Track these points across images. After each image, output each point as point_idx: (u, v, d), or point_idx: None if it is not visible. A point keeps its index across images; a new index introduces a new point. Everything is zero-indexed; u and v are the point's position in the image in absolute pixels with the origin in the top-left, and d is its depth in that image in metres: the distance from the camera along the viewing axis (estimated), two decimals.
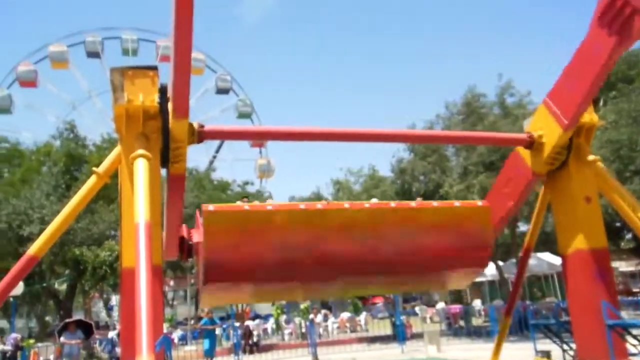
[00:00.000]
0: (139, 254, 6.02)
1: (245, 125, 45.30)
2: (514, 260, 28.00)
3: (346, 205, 9.24)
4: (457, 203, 10.09)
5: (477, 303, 30.76)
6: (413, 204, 9.67)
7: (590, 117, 10.22)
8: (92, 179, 8.42)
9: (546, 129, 9.57)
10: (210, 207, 8.07)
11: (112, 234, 29.94)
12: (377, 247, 9.00)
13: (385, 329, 23.66)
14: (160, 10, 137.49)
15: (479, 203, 10.34)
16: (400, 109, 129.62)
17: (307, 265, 8.60)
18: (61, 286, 35.15)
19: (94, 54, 46.51)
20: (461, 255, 9.65)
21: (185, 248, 9.29)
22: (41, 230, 9.51)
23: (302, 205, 9.14)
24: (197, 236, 8.98)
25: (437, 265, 9.73)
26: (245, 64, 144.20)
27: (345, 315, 29.98)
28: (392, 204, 9.87)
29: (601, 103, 11.38)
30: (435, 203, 10.17)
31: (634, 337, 9.56)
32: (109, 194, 27.48)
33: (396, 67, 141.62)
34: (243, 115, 49.67)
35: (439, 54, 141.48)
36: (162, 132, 8.09)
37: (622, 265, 42.27)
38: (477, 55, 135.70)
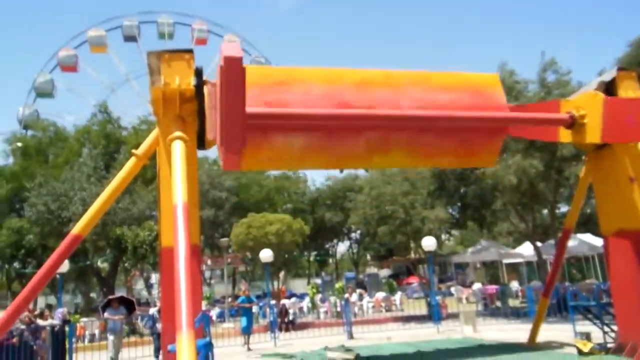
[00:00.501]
0: (177, 234, 6.17)
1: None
2: (552, 241, 27.42)
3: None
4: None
5: (514, 284, 30.32)
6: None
7: (635, 94, 9.87)
8: (132, 161, 8.64)
9: (589, 108, 9.28)
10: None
11: (151, 214, 30.73)
12: (396, 100, 9.33)
13: (421, 308, 23.62)
14: None
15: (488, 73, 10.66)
16: None
17: (330, 114, 8.88)
18: (103, 264, 36.38)
19: (131, 38, 47.39)
20: (479, 117, 9.72)
21: None
22: (83, 211, 9.79)
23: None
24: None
25: (457, 124, 9.74)
26: (279, 47, 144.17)
27: (381, 294, 30.05)
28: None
29: None
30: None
31: None
32: (146, 174, 28.13)
33: (431, 50, 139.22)
34: None
35: (477, 36, 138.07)
36: (199, 114, 8.21)
37: None
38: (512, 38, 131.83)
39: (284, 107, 8.68)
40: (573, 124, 9.53)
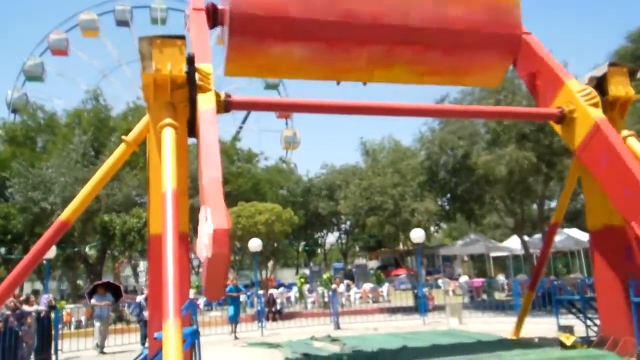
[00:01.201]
0: (166, 221, 6.15)
1: (272, 96, 45.31)
2: (539, 235, 27.70)
3: None
4: None
5: (500, 277, 30.63)
6: None
7: (625, 90, 9.92)
8: (121, 147, 8.57)
9: (577, 103, 9.31)
10: None
11: (140, 201, 30.56)
12: (404, 12, 9.00)
13: (408, 300, 23.81)
14: None
15: None
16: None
17: (332, 23, 8.72)
18: (91, 251, 36.19)
19: (123, 23, 46.84)
20: (491, 32, 9.52)
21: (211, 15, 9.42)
22: (66, 197, 9.70)
23: None
24: None
25: (467, 41, 9.51)
26: None
27: (368, 285, 30.23)
28: None
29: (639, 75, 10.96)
30: None
31: None
32: (131, 160, 27.94)
33: None
34: (270, 86, 49.64)
35: None
36: (190, 101, 8.14)
37: None
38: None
39: (283, 12, 8.60)
40: (563, 118, 9.57)
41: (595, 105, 9.15)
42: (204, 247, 5.47)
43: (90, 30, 44.98)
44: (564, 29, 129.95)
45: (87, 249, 34.43)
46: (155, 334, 5.63)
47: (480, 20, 9.41)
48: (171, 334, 4.92)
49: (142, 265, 47.42)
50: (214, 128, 6.98)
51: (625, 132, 9.56)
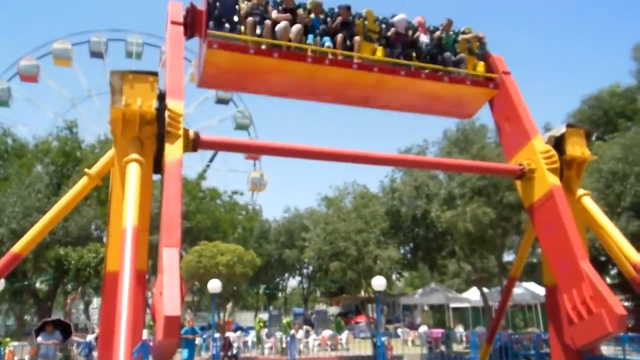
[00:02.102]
0: (123, 258, 6.01)
1: (241, 137, 45.44)
2: (498, 288, 28.03)
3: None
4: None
5: (459, 329, 30.65)
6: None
7: (582, 150, 10.33)
8: (84, 180, 8.39)
9: (537, 163, 9.63)
10: (215, 45, 8.56)
11: (94, 234, 29.74)
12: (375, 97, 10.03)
13: (366, 349, 23.53)
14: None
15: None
16: (404, 127, 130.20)
17: (304, 94, 10.02)
18: (42, 285, 34.77)
19: (97, 54, 46.71)
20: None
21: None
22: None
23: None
24: None
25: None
26: None
27: (327, 332, 29.80)
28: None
29: (593, 138, 11.49)
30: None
31: None
32: (91, 193, 27.34)
33: None
34: (241, 127, 49.81)
35: None
36: (157, 138, 8.09)
37: None
38: None
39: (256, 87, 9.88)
40: (522, 175, 9.86)
41: (554, 170, 9.48)
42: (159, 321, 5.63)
43: (63, 60, 44.68)
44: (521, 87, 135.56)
45: (37, 283, 33.07)
46: None
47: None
48: None
49: (96, 302, 45.73)
50: (177, 183, 7.10)
51: (581, 191, 9.89)
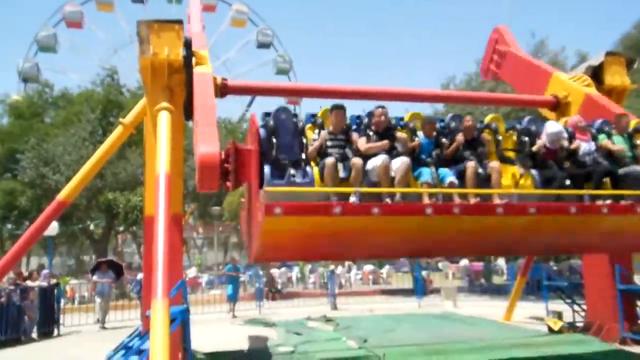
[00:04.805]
0: (158, 203, 6.32)
1: (278, 81, 45.21)
2: None
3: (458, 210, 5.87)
4: None
5: (500, 262, 30.82)
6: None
7: (622, 79, 9.95)
8: (119, 129, 8.75)
9: (570, 89, 9.41)
10: (277, 209, 5.38)
11: (141, 179, 30.83)
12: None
13: (408, 282, 24.07)
14: None
15: None
16: (440, 66, 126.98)
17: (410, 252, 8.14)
18: (96, 228, 36.66)
19: (138, 0, 46.75)
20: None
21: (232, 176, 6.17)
22: (67, 177, 9.91)
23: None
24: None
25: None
26: (288, 18, 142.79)
27: (368, 267, 30.52)
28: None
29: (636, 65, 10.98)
30: None
31: None
32: (138, 139, 28.21)
33: (436, 29, 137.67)
34: (281, 72, 49.34)
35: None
36: (186, 85, 8.27)
37: None
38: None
39: (315, 251, 6.99)
40: (557, 105, 9.65)
41: (588, 86, 9.30)
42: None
43: (105, 5, 44.93)
44: (570, 17, 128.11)
45: (91, 226, 34.87)
46: (147, 312, 5.85)
47: None
48: (159, 313, 5.12)
49: None
50: (210, 90, 7.01)
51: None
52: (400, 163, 5.91)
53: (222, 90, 8.67)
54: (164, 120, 7.43)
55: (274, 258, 7.59)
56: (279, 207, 5.32)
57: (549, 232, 6.58)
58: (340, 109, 6.37)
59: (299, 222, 5.52)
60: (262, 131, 6.22)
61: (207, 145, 5.58)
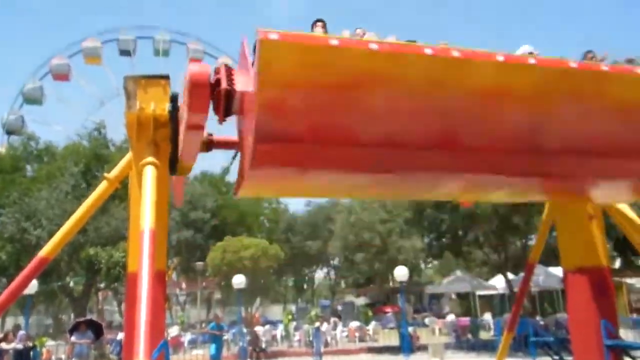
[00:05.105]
0: (142, 259, 6.24)
1: None
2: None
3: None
4: None
5: (487, 317, 30.50)
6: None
7: None
8: (103, 184, 8.69)
9: None
10: (273, 34, 4.71)
11: (124, 233, 30.45)
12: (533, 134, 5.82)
13: (395, 339, 23.63)
14: (195, 12, 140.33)
15: None
16: None
17: (423, 151, 5.58)
18: (76, 285, 35.80)
19: (126, 52, 47.70)
20: None
21: (222, 100, 5.73)
22: (55, 230, 9.77)
23: (428, 50, 5.19)
24: (243, 82, 5.71)
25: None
26: None
27: (354, 324, 29.95)
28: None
29: None
30: None
31: (633, 358, 9.54)
32: (122, 193, 28.04)
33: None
34: None
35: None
36: (172, 139, 8.34)
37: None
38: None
39: (344, 132, 5.34)
40: None
41: None
42: None
43: (93, 57, 45.76)
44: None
45: (71, 283, 34.05)
46: None
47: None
48: None
49: None
50: None
51: None
52: None
53: (208, 144, 8.75)
54: (150, 175, 7.43)
55: (276, 128, 5.12)
56: (275, 34, 4.67)
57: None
58: None
59: (299, 49, 4.77)
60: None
61: (198, 65, 5.40)
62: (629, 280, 27.46)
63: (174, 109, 8.33)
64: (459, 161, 5.95)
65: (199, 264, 33.54)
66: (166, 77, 8.54)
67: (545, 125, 5.95)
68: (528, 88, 5.58)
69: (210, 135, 8.82)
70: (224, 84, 5.40)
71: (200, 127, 6.17)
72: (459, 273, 38.00)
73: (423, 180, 6.51)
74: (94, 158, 32.18)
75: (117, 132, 39.93)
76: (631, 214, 9.61)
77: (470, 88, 5.40)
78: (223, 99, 5.43)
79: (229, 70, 5.60)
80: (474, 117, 5.59)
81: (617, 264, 29.43)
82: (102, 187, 8.69)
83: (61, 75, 45.10)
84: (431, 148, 5.66)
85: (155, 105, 8.18)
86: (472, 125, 5.70)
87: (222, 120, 5.82)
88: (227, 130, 8.47)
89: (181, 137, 6.77)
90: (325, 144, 5.34)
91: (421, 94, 5.31)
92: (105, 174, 8.79)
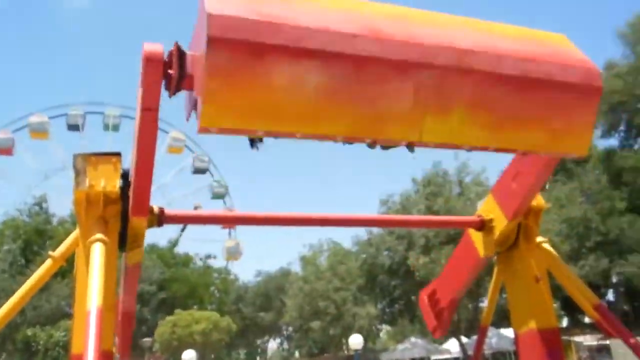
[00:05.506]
0: (87, 340, 5.99)
1: (214, 207, 45.50)
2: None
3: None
4: None
5: None
6: None
7: (537, 201, 10.75)
8: (48, 262, 8.36)
9: (495, 214, 9.99)
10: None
11: (68, 312, 28.90)
12: (447, 40, 4.86)
13: None
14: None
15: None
16: (374, 184, 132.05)
17: (362, 38, 5.15)
18: None
19: (74, 127, 47.03)
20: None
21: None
22: None
23: None
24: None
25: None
26: (224, 141, 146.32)
27: None
28: None
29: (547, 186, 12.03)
30: None
31: None
32: (65, 269, 26.85)
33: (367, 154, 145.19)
34: (217, 196, 49.70)
35: None
36: (122, 216, 8.22)
37: (587, 340, 42.48)
38: None
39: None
40: (482, 225, 10.15)
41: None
42: None
43: (39, 133, 44.76)
44: None
45: None
46: None
47: (542, 57, 6.66)
48: None
49: None
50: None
51: (539, 239, 10.25)
52: None
53: (159, 219, 8.66)
54: (98, 252, 7.26)
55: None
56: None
57: None
58: None
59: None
60: None
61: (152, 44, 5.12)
62: (576, 339, 28.12)
63: (125, 185, 8.28)
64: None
65: (145, 340, 32.03)
66: (117, 154, 8.49)
67: None
68: None
69: (162, 209, 8.76)
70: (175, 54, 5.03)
71: (154, 109, 5.44)
72: (413, 339, 37.87)
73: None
74: (34, 233, 30.94)
75: (61, 207, 38.76)
76: (574, 275, 9.97)
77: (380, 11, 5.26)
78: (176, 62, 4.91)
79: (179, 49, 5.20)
80: None
81: (565, 322, 30.21)
82: (46, 265, 8.35)
83: (4, 150, 43.79)
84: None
85: (106, 182, 8.10)
86: None
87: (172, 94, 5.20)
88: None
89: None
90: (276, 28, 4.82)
91: None
92: (50, 252, 8.50)
